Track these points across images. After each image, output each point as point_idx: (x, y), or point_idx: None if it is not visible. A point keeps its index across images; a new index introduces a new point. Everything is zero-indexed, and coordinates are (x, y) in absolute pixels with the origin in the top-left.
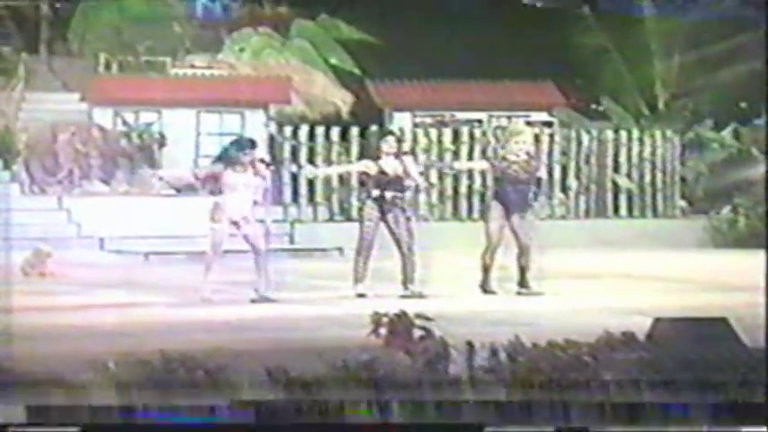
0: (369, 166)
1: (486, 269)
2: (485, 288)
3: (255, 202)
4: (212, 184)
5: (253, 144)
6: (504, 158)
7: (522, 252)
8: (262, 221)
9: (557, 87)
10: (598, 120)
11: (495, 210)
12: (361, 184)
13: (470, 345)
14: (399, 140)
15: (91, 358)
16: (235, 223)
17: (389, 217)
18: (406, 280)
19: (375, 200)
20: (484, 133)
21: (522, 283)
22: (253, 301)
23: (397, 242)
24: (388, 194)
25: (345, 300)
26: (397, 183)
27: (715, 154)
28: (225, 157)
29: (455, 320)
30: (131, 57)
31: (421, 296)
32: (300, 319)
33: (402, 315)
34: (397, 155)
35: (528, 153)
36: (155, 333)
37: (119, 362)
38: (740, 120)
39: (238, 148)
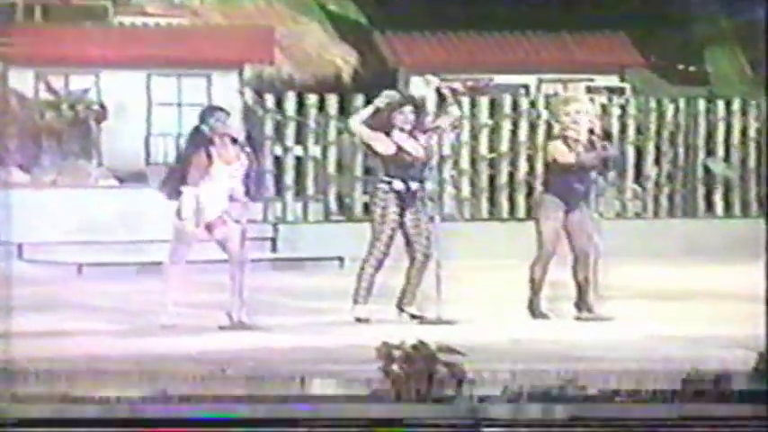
0: (380, 141)
1: (535, 285)
2: (533, 311)
3: (231, 197)
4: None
5: (226, 113)
6: (559, 137)
7: (580, 262)
8: (237, 222)
9: (630, 41)
10: (686, 84)
11: (551, 205)
12: (367, 171)
13: (512, 387)
14: (418, 110)
15: (8, 402)
16: (207, 225)
17: (408, 216)
18: (404, 300)
19: (398, 193)
20: (532, 103)
21: (582, 304)
22: (223, 328)
23: (412, 250)
24: (414, 185)
25: (346, 326)
26: (418, 168)
27: None
28: (200, 134)
29: (492, 354)
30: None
31: (446, 322)
32: (286, 352)
33: (420, 347)
34: (416, 130)
35: (591, 130)
36: (91, 371)
37: (44, 408)
38: None
39: (214, 117)
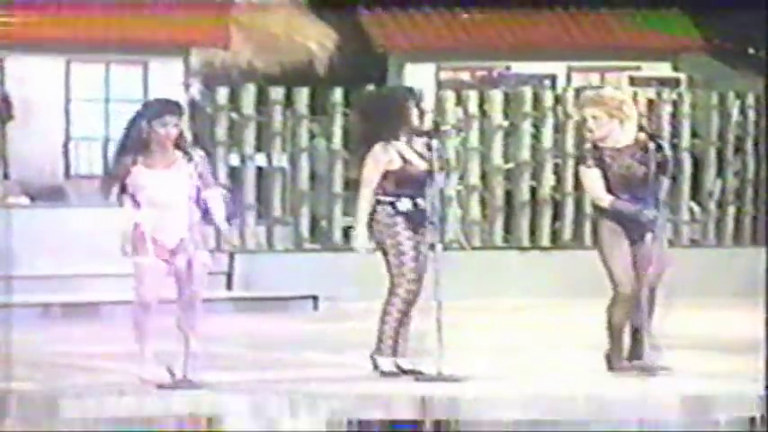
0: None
1: (614, 332)
2: (612, 363)
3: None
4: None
5: (179, 109)
6: (596, 147)
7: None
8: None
9: (687, 18)
10: (756, 74)
11: (615, 233)
12: (347, 186)
13: None
14: (420, 105)
15: None
16: (170, 253)
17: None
18: (380, 345)
19: (406, 214)
20: (557, 99)
21: (637, 351)
22: (162, 387)
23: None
24: (421, 201)
25: (328, 384)
26: (423, 180)
27: None
28: (133, 137)
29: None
30: None
31: (449, 378)
32: (245, 416)
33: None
34: (426, 134)
35: (646, 134)
36: None
37: None
38: None
39: (153, 116)
